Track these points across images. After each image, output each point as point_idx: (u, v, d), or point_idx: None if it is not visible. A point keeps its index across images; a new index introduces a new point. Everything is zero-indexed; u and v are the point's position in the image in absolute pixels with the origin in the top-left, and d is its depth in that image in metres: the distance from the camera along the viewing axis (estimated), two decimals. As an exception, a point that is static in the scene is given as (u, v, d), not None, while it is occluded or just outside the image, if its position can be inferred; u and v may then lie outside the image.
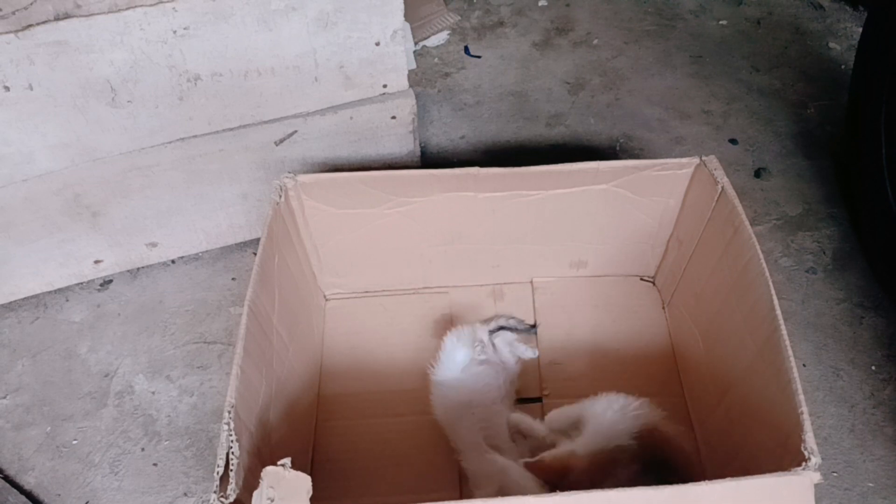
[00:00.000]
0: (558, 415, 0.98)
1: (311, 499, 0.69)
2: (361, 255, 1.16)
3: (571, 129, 1.53)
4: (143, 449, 1.09)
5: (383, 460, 1.04)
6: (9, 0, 0.89)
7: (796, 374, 0.77)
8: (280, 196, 1.00)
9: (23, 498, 1.03)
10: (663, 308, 1.20)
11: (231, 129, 1.15)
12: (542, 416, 1.07)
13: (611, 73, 1.64)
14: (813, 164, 1.45)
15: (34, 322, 1.24)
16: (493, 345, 1.06)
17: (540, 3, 1.82)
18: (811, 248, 1.31)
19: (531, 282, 1.23)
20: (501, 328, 1.11)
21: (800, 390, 0.76)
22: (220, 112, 1.12)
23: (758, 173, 1.43)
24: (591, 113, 1.56)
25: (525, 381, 1.09)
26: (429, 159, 1.45)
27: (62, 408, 1.14)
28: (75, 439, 1.10)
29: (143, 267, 1.30)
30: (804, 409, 0.74)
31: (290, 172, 1.02)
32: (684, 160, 1.05)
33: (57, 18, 0.93)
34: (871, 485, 1.03)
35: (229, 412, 0.75)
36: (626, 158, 1.39)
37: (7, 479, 1.05)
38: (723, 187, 0.99)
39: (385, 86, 1.19)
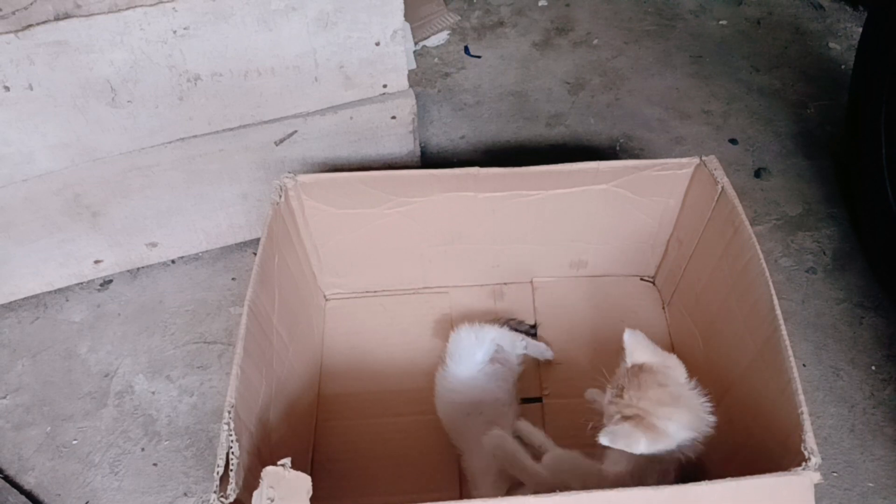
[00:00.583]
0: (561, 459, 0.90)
1: (311, 499, 0.69)
2: (361, 255, 1.16)
3: (571, 129, 1.53)
4: (143, 449, 1.09)
5: (383, 460, 1.04)
6: (9, 0, 0.89)
7: (796, 374, 0.77)
8: (280, 196, 1.00)
9: (23, 498, 1.03)
10: (663, 308, 1.20)
11: (231, 129, 1.15)
12: (542, 416, 1.07)
13: (611, 73, 1.64)
14: (813, 164, 1.45)
15: (34, 322, 1.24)
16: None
17: (540, 3, 1.82)
18: (811, 248, 1.31)
19: (531, 282, 1.23)
20: (512, 329, 1.12)
21: (800, 390, 0.76)
22: (220, 112, 1.12)
23: (758, 173, 1.43)
24: (591, 113, 1.56)
25: (525, 381, 1.09)
26: (429, 159, 1.45)
27: (62, 408, 1.14)
28: (75, 439, 1.10)
29: (143, 267, 1.30)
30: (804, 409, 0.74)
31: (290, 172, 1.02)
32: (684, 160, 1.05)
33: (57, 18, 0.93)
34: (871, 485, 1.03)
35: (229, 412, 0.75)
36: (626, 158, 1.39)
37: (7, 479, 1.06)
38: (723, 187, 0.99)
39: (385, 86, 1.19)
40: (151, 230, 1.23)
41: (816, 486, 0.69)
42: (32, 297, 1.25)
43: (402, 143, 1.28)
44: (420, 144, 1.34)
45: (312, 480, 0.70)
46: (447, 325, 1.15)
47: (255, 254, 0.93)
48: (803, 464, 0.70)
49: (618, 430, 0.77)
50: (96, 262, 1.24)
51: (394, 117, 1.22)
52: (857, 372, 1.15)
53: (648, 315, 1.19)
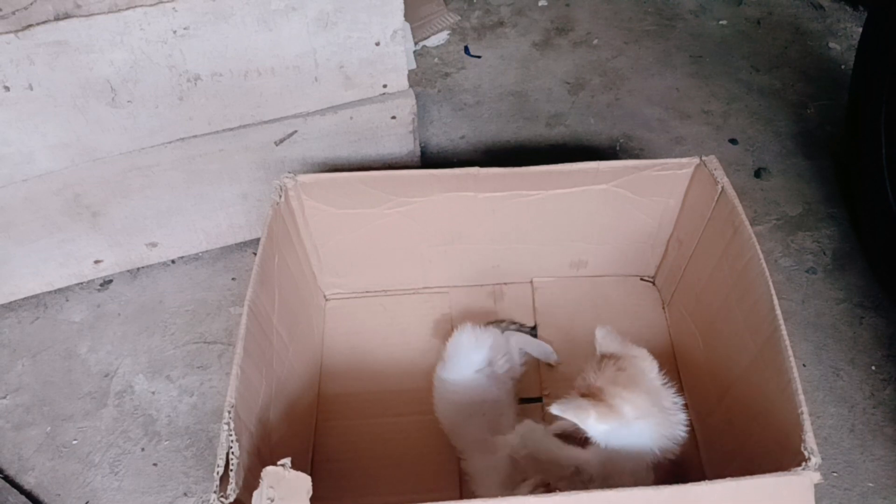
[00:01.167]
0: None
1: (311, 499, 0.69)
2: (361, 255, 1.16)
3: (571, 129, 1.53)
4: (143, 449, 1.09)
5: (383, 460, 1.04)
6: (9, 0, 0.89)
7: (796, 374, 0.78)
8: (280, 196, 1.00)
9: (23, 498, 1.03)
10: (663, 308, 1.20)
11: (231, 129, 1.15)
12: (542, 416, 1.07)
13: (611, 73, 1.64)
14: (813, 164, 1.45)
15: (34, 322, 1.24)
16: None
17: (540, 3, 1.82)
18: (811, 248, 1.31)
19: (531, 282, 1.23)
20: (518, 330, 1.12)
21: (800, 390, 0.76)
22: (220, 112, 1.12)
23: (758, 173, 1.43)
24: (591, 113, 1.56)
25: (525, 381, 1.09)
26: (429, 159, 1.45)
27: (62, 408, 1.14)
28: (75, 439, 1.10)
29: (143, 267, 1.30)
30: (804, 409, 0.74)
31: (290, 172, 1.02)
32: (684, 160, 1.05)
33: (57, 18, 0.93)
34: (871, 485, 1.03)
35: (229, 412, 0.75)
36: (626, 158, 1.39)
37: (7, 479, 1.06)
38: (723, 187, 0.99)
39: (385, 86, 1.19)
40: (151, 230, 1.23)
41: (816, 486, 0.69)
42: (32, 297, 1.25)
43: (402, 143, 1.28)
44: (420, 144, 1.34)
45: (312, 480, 0.70)
46: (447, 325, 1.15)
47: (255, 254, 0.93)
48: (803, 464, 0.70)
49: (569, 401, 0.79)
50: (96, 262, 1.24)
51: (394, 117, 1.22)
52: (857, 372, 1.15)
53: (648, 315, 1.20)
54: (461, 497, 0.99)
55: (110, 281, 1.29)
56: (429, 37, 1.73)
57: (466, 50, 1.71)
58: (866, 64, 1.28)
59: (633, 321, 1.19)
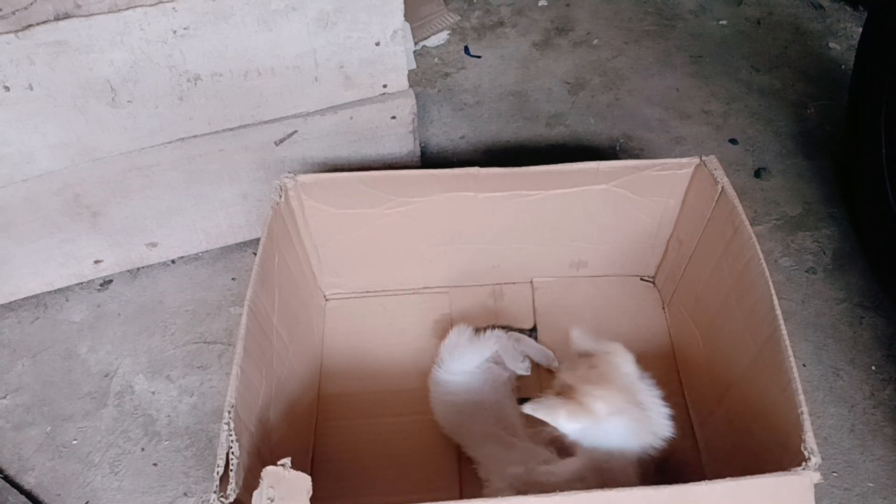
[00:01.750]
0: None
1: (311, 499, 0.69)
2: (361, 255, 1.16)
3: (571, 129, 1.53)
4: (143, 449, 1.09)
5: (383, 460, 1.04)
6: (9, 0, 0.89)
7: (796, 374, 0.78)
8: (280, 196, 1.00)
9: (23, 498, 1.03)
10: (663, 308, 1.21)
11: (231, 129, 1.15)
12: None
13: (611, 73, 1.64)
14: (813, 164, 1.45)
15: (34, 322, 1.24)
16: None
17: (540, 3, 1.82)
18: (811, 248, 1.31)
19: (531, 282, 1.23)
20: (517, 331, 1.12)
21: (800, 390, 0.76)
22: (220, 112, 1.12)
23: (758, 173, 1.43)
24: (591, 113, 1.56)
25: (525, 381, 1.09)
26: (429, 159, 1.45)
27: (62, 408, 1.14)
28: (75, 439, 1.10)
29: (143, 267, 1.30)
30: (804, 409, 0.74)
31: (290, 172, 1.02)
32: (684, 160, 1.05)
33: (57, 18, 0.93)
34: (871, 485, 1.03)
35: (229, 412, 0.75)
36: (626, 158, 1.39)
37: (7, 479, 1.06)
38: (723, 187, 0.99)
39: (385, 86, 1.19)
40: (151, 230, 1.23)
41: (816, 486, 0.69)
42: (32, 297, 1.25)
43: (402, 143, 1.28)
44: (420, 144, 1.34)
45: (312, 480, 0.70)
46: (447, 325, 1.15)
47: (255, 254, 0.93)
48: (803, 464, 0.70)
49: (540, 401, 0.79)
50: (96, 262, 1.24)
51: (394, 117, 1.22)
52: (857, 372, 1.15)
53: (648, 315, 1.20)
54: (461, 497, 0.99)
55: (110, 281, 1.29)
56: (429, 37, 1.73)
57: (466, 50, 1.71)
58: (866, 64, 1.28)
59: (633, 321, 1.19)
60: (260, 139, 1.16)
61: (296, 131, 1.18)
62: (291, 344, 1.01)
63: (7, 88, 0.96)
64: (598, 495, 0.68)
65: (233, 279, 1.28)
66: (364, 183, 1.04)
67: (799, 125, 1.53)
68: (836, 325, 1.21)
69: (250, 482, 0.72)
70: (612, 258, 1.20)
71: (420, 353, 1.13)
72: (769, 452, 0.81)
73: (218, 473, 0.71)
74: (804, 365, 1.15)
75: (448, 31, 1.75)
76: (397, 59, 1.16)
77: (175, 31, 0.99)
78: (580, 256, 1.20)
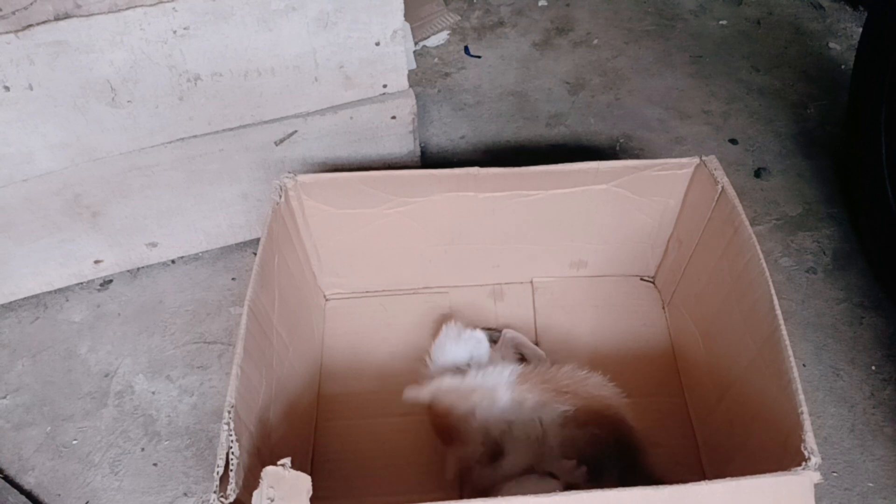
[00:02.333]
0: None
1: (311, 499, 0.69)
2: (361, 255, 1.16)
3: (571, 129, 1.53)
4: (143, 449, 1.09)
5: (383, 460, 1.04)
6: (9, 0, 0.89)
7: (796, 374, 0.77)
8: (280, 196, 1.00)
9: (23, 498, 1.03)
10: (663, 308, 1.20)
11: (231, 129, 1.15)
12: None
13: (611, 73, 1.64)
14: (813, 164, 1.45)
15: (34, 322, 1.24)
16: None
17: (540, 3, 1.82)
18: (811, 248, 1.31)
19: (531, 282, 1.23)
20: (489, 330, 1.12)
21: (800, 390, 0.76)
22: (220, 112, 1.12)
23: (758, 173, 1.43)
24: (591, 113, 1.56)
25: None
26: (429, 159, 1.45)
27: (62, 408, 1.14)
28: (75, 439, 1.10)
29: (143, 267, 1.30)
30: (804, 409, 0.74)
31: (290, 172, 1.02)
32: (684, 160, 1.05)
33: (57, 18, 0.93)
34: (871, 485, 1.03)
35: (229, 412, 0.75)
36: (626, 158, 1.39)
37: (7, 479, 1.06)
38: (723, 187, 0.99)
39: (385, 86, 1.19)
40: (151, 230, 1.23)
41: (816, 486, 0.69)
42: (32, 297, 1.25)
43: (402, 143, 1.28)
44: (420, 144, 1.34)
45: (312, 480, 0.70)
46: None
47: (255, 254, 0.93)
48: (803, 464, 0.70)
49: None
50: (96, 262, 1.24)
51: (394, 117, 1.22)
52: (857, 372, 1.15)
53: (648, 315, 1.20)
54: (461, 497, 0.99)
55: (110, 281, 1.29)
56: (429, 37, 1.73)
57: (466, 50, 1.71)
58: (866, 64, 1.28)
59: (633, 321, 1.19)
60: (260, 139, 1.16)
61: (296, 131, 1.18)
62: (291, 344, 1.01)
63: (7, 88, 0.96)
64: (597, 495, 0.68)
65: (233, 279, 1.28)
66: (364, 183, 1.04)
67: (799, 125, 1.53)
68: (836, 325, 1.21)
69: (250, 482, 0.72)
70: (612, 258, 1.20)
71: (420, 353, 1.13)
72: (769, 452, 0.81)
73: (218, 473, 0.71)
74: (804, 365, 1.15)
75: (448, 31, 1.75)
76: (397, 59, 1.16)
77: (175, 31, 0.99)
78: (580, 256, 1.20)
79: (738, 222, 0.95)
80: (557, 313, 1.19)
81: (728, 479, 0.68)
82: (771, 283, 0.86)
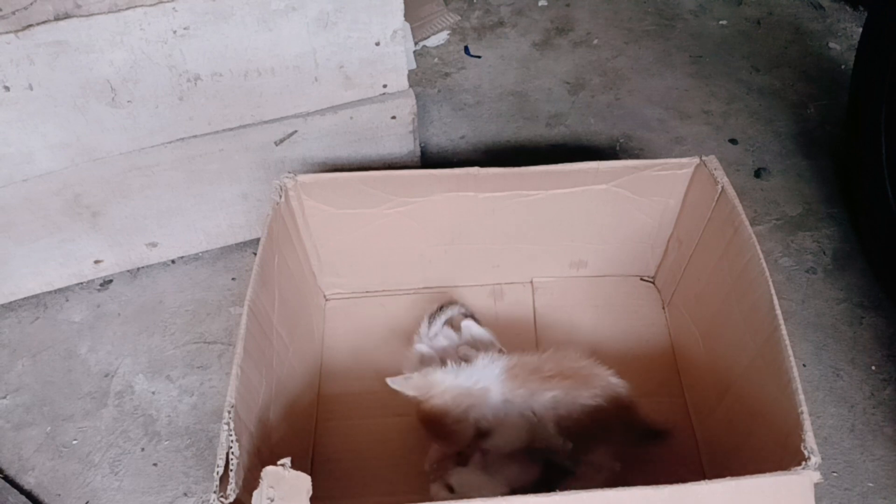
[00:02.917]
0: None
1: (311, 499, 0.69)
2: (361, 255, 1.16)
3: (571, 129, 1.53)
4: (143, 449, 1.09)
5: (383, 460, 1.04)
6: (9, 0, 0.89)
7: (796, 374, 0.78)
8: (280, 196, 1.00)
9: (23, 498, 1.03)
10: (663, 308, 1.20)
11: (231, 129, 1.15)
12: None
13: (611, 73, 1.64)
14: (813, 164, 1.45)
15: (34, 322, 1.24)
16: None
17: (540, 3, 1.82)
18: (811, 248, 1.31)
19: (531, 282, 1.23)
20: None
21: (800, 390, 0.76)
22: (220, 112, 1.12)
23: (758, 173, 1.43)
24: (591, 113, 1.56)
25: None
26: (429, 159, 1.45)
27: (62, 408, 1.14)
28: (75, 439, 1.10)
29: (143, 267, 1.30)
30: (804, 408, 0.74)
31: (290, 172, 1.02)
32: (684, 160, 1.05)
33: (57, 18, 0.93)
34: (871, 485, 1.03)
35: (229, 412, 0.75)
36: (626, 158, 1.39)
37: (7, 479, 1.06)
38: (723, 187, 0.99)
39: (385, 86, 1.19)
40: (151, 230, 1.23)
41: (816, 485, 0.69)
42: (32, 297, 1.25)
43: (402, 143, 1.28)
44: (420, 144, 1.34)
45: (312, 480, 0.70)
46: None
47: (255, 254, 0.93)
48: (803, 463, 0.70)
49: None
50: (96, 262, 1.24)
51: (394, 117, 1.22)
52: (857, 372, 1.15)
53: (648, 315, 1.20)
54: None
55: (110, 281, 1.29)
56: (429, 37, 1.73)
57: (466, 50, 1.71)
58: (866, 64, 1.28)
59: (633, 321, 1.19)
60: (260, 139, 1.16)
61: (296, 131, 1.18)
62: (291, 344, 1.01)
63: (7, 88, 0.96)
64: (597, 495, 0.68)
65: (233, 279, 1.28)
66: (364, 183, 1.04)
67: (799, 125, 1.53)
68: (836, 325, 1.21)
69: (250, 482, 0.72)
70: (612, 258, 1.20)
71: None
72: (769, 452, 0.81)
73: (218, 473, 0.71)
74: (804, 365, 1.15)
75: (448, 31, 1.75)
76: (397, 59, 1.16)
77: (175, 31, 0.99)
78: (580, 256, 1.20)
79: (738, 222, 0.95)
80: (557, 313, 1.19)
81: (728, 479, 0.68)
82: (771, 283, 0.86)
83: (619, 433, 0.93)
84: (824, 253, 1.31)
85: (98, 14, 0.94)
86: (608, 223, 1.13)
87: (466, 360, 0.98)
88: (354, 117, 1.19)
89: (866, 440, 1.07)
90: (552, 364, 0.93)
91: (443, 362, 1.00)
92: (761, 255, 0.89)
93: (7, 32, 0.91)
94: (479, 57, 1.69)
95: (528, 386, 0.91)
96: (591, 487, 0.68)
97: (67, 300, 1.26)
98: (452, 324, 1.09)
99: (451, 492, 0.90)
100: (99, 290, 1.28)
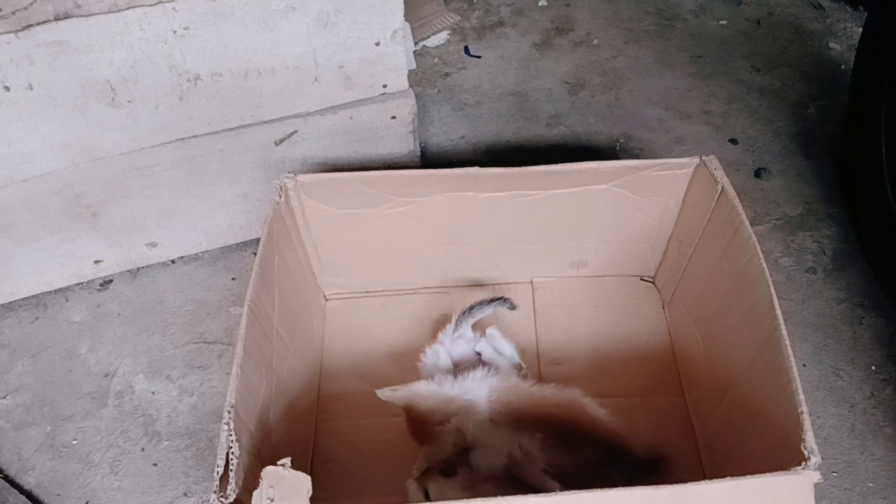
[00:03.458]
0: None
1: (311, 499, 0.69)
2: (361, 255, 1.16)
3: (571, 129, 1.53)
4: (143, 449, 1.09)
5: (383, 460, 1.04)
6: (9, 0, 0.89)
7: (796, 374, 0.78)
8: (280, 196, 1.00)
9: (23, 498, 1.03)
10: (663, 308, 1.20)
11: (231, 129, 1.15)
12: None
13: (611, 73, 1.64)
14: (813, 164, 1.45)
15: (34, 322, 1.24)
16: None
17: (540, 3, 1.82)
18: (811, 248, 1.31)
19: (531, 282, 1.23)
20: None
21: (800, 390, 0.76)
22: (220, 112, 1.12)
23: (758, 173, 1.43)
24: (591, 113, 1.56)
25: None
26: (429, 159, 1.45)
27: (62, 408, 1.14)
28: (75, 439, 1.10)
29: (143, 267, 1.30)
30: (804, 408, 0.74)
31: (290, 172, 1.02)
32: (684, 160, 1.05)
33: (57, 18, 0.93)
34: (871, 485, 1.03)
35: (229, 412, 0.75)
36: (626, 158, 1.39)
37: (7, 479, 1.06)
38: (723, 187, 0.99)
39: (385, 86, 1.19)
40: (151, 230, 1.23)
41: (816, 485, 0.69)
42: (32, 297, 1.25)
43: (402, 143, 1.28)
44: (420, 144, 1.34)
45: (312, 480, 0.70)
46: (447, 326, 1.15)
47: (255, 254, 0.93)
48: (803, 463, 0.70)
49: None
50: (96, 262, 1.24)
51: (394, 117, 1.22)
52: (857, 372, 1.15)
53: (648, 315, 1.20)
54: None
55: (110, 281, 1.29)
56: (429, 37, 1.73)
57: (466, 50, 1.71)
58: (866, 64, 1.28)
59: (633, 321, 1.19)
60: (260, 139, 1.16)
61: (296, 131, 1.18)
62: (291, 344, 1.01)
63: (7, 88, 0.96)
64: (597, 495, 0.68)
65: (233, 279, 1.28)
66: (364, 183, 1.04)
67: (799, 125, 1.53)
68: (836, 325, 1.21)
69: (250, 482, 0.72)
70: (612, 258, 1.20)
71: (420, 353, 1.13)
72: (769, 452, 0.81)
73: (218, 473, 0.71)
74: (804, 365, 1.15)
75: (448, 31, 1.75)
76: (397, 59, 1.16)
77: (175, 31, 0.99)
78: (580, 256, 1.20)
79: (738, 222, 0.95)
80: (557, 313, 1.19)
81: (728, 479, 0.68)
82: (771, 283, 0.86)
83: (614, 473, 0.90)
84: (824, 253, 1.31)
85: (98, 14, 0.94)
86: (608, 223, 1.13)
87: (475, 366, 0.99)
88: (354, 117, 1.19)
89: (866, 440, 1.07)
90: (547, 401, 0.93)
91: (456, 368, 1.00)
92: (761, 255, 0.89)
93: (7, 32, 0.91)
94: (479, 57, 1.69)
95: (517, 413, 0.91)
96: None
97: (67, 300, 1.26)
98: (483, 322, 1.09)
99: (427, 498, 0.89)
100: (99, 290, 1.28)
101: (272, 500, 0.67)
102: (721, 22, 1.77)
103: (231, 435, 0.73)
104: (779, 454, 0.77)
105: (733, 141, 1.50)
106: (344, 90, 1.17)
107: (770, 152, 1.48)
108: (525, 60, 1.68)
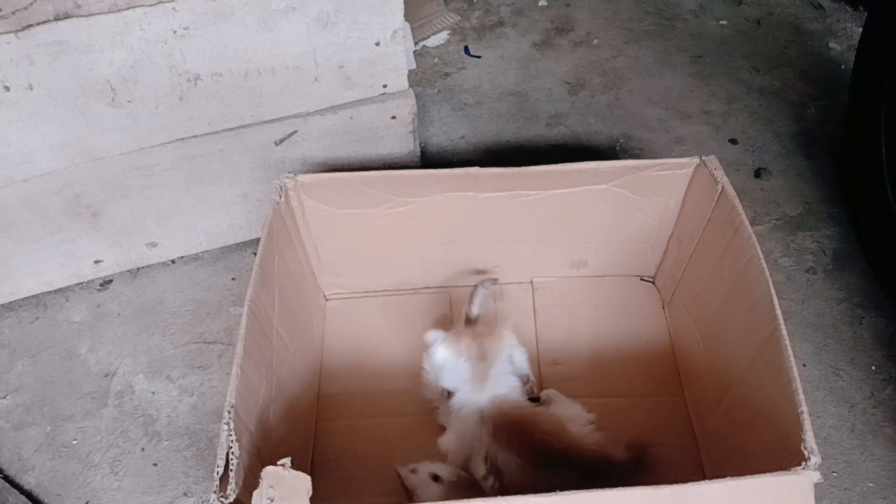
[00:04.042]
0: None
1: (311, 499, 0.69)
2: (361, 255, 1.16)
3: (571, 129, 1.53)
4: (143, 449, 1.09)
5: (383, 460, 1.03)
6: (9, 0, 0.89)
7: (796, 374, 0.78)
8: (280, 196, 1.00)
9: (23, 498, 1.03)
10: (663, 308, 1.20)
11: (231, 129, 1.15)
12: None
13: (611, 73, 1.64)
14: (813, 164, 1.45)
15: (34, 322, 1.24)
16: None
17: (540, 3, 1.82)
18: (811, 248, 1.31)
19: (531, 282, 1.23)
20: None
21: (800, 390, 0.76)
22: (220, 112, 1.12)
23: (758, 173, 1.43)
24: (591, 113, 1.56)
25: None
26: (429, 159, 1.45)
27: (62, 408, 1.14)
28: (75, 439, 1.10)
29: (143, 267, 1.30)
30: (804, 408, 0.74)
31: (290, 172, 1.02)
32: (684, 160, 1.05)
33: (57, 18, 0.93)
34: (871, 485, 1.03)
35: (229, 412, 0.75)
36: (626, 158, 1.39)
37: (7, 479, 1.06)
38: (723, 187, 0.99)
39: (385, 86, 1.19)
40: (151, 230, 1.23)
41: (816, 485, 0.69)
42: (32, 297, 1.25)
43: (402, 143, 1.28)
44: (420, 144, 1.34)
45: (312, 480, 0.70)
46: (447, 326, 1.15)
47: (255, 254, 0.93)
48: (803, 463, 0.70)
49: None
50: (96, 262, 1.24)
51: (394, 117, 1.22)
52: (857, 372, 1.15)
53: (648, 315, 1.20)
54: (461, 497, 0.98)
55: (110, 281, 1.29)
56: (429, 37, 1.73)
57: (466, 50, 1.71)
58: (866, 64, 1.28)
59: (633, 321, 1.19)
60: (260, 139, 1.16)
61: (296, 131, 1.18)
62: (291, 344, 1.01)
63: (7, 88, 0.96)
64: (597, 495, 0.68)
65: (233, 279, 1.28)
66: (364, 183, 1.04)
67: (799, 125, 1.53)
68: (836, 325, 1.21)
69: (250, 482, 0.72)
70: (612, 258, 1.20)
71: (420, 353, 1.13)
72: (769, 452, 0.81)
73: (218, 473, 0.71)
74: (804, 365, 1.15)
75: (448, 31, 1.75)
76: (397, 59, 1.16)
77: (175, 31, 0.99)
78: (580, 256, 1.20)
79: (738, 222, 0.95)
80: (557, 313, 1.19)
81: (728, 479, 0.68)
82: (771, 283, 0.86)
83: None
84: (824, 253, 1.31)
85: (98, 14, 0.94)
86: (608, 223, 1.13)
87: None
88: (354, 117, 1.19)
89: (866, 440, 1.07)
90: (527, 419, 0.93)
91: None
92: (761, 255, 0.89)
93: (7, 32, 0.91)
94: (479, 57, 1.69)
95: (503, 422, 0.92)
96: None
97: (67, 300, 1.26)
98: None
99: (436, 480, 0.91)
100: (99, 290, 1.28)
101: (272, 500, 0.67)
102: (721, 22, 1.77)
103: (231, 435, 0.73)
104: (779, 454, 0.77)
105: (733, 141, 1.50)
106: (344, 90, 1.17)
107: (770, 152, 1.48)
108: (525, 60, 1.68)
